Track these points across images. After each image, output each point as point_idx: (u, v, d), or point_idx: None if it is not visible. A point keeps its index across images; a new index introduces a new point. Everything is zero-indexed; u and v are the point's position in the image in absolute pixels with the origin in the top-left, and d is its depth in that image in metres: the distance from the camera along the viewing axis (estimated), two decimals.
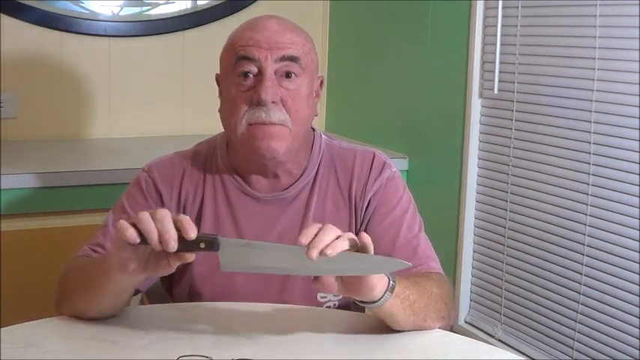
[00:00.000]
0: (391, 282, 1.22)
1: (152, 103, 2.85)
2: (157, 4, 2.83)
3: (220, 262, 1.18)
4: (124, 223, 1.15)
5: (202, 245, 1.16)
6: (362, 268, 1.17)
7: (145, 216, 1.14)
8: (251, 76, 1.39)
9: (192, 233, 1.14)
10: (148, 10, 2.82)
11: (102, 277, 1.24)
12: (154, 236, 1.13)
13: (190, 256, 1.16)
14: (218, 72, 1.49)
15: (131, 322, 1.32)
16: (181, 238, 1.14)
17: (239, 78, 1.40)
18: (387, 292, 1.22)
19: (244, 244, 1.18)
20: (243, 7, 2.90)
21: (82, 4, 2.70)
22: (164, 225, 1.13)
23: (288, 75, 1.40)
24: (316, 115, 1.49)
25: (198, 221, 1.47)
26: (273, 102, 1.38)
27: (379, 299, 1.22)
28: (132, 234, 1.14)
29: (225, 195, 1.48)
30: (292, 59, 1.40)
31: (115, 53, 2.77)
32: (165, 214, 1.14)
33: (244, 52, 1.39)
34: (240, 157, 1.47)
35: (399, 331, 1.31)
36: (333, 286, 1.20)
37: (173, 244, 1.13)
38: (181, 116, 2.90)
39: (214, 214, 1.48)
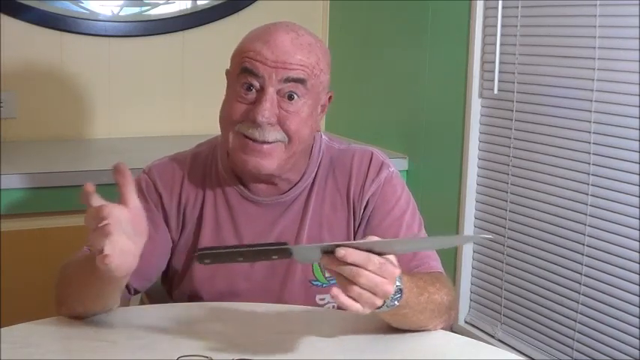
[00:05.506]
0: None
1: (152, 103, 2.85)
2: (157, 4, 2.83)
3: (297, 260, 1.16)
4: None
5: (275, 257, 1.15)
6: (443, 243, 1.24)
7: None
8: (253, 90, 1.37)
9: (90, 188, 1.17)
10: (148, 10, 2.82)
11: (90, 276, 1.22)
12: None
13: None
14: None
15: (131, 322, 1.32)
16: (255, 251, 1.13)
17: (241, 89, 1.38)
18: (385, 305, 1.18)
19: (316, 247, 1.14)
20: (243, 7, 2.90)
21: (81, 4, 2.70)
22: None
23: (290, 97, 1.37)
24: (318, 131, 1.48)
25: (198, 224, 1.48)
26: (269, 124, 1.36)
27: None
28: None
29: (225, 198, 1.48)
30: (298, 81, 1.37)
31: (115, 53, 2.77)
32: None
33: (250, 66, 1.36)
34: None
35: (398, 331, 1.31)
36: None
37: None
38: (181, 116, 2.90)
39: (214, 218, 1.48)
